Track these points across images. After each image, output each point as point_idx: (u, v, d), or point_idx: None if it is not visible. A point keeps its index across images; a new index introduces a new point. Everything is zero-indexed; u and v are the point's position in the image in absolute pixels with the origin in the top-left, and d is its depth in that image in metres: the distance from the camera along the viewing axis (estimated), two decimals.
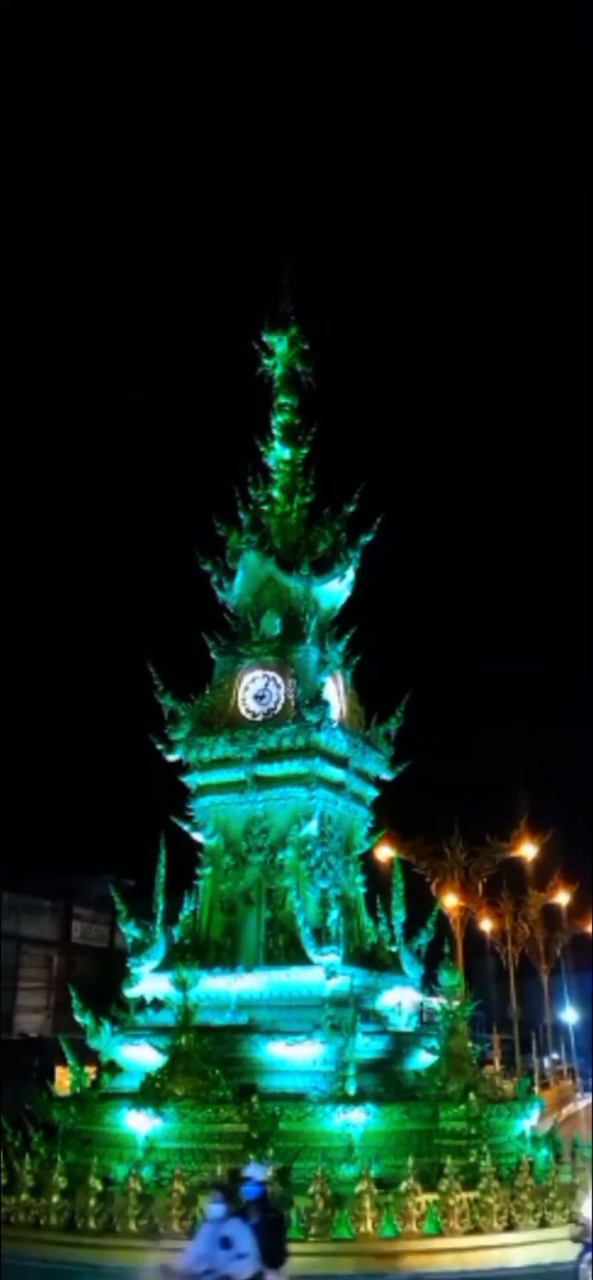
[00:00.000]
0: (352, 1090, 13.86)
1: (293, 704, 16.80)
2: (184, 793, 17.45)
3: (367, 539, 18.40)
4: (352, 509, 18.64)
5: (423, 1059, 15.81)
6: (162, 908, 16.56)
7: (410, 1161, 12.70)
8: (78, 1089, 15.97)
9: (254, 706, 17.19)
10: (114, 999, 17.01)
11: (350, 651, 18.32)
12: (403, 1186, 12.41)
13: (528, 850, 32.03)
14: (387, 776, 18.39)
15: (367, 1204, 12.31)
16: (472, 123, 66.32)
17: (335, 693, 17.71)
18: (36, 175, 58.57)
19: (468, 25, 59.94)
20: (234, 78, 64.02)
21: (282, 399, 19.67)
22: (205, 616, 18.51)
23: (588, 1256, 10.91)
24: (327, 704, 16.70)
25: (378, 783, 18.38)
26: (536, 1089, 23.18)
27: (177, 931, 16.63)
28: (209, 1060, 14.25)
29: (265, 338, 19.92)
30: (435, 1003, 16.73)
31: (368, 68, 63.00)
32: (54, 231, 61.53)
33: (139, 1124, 13.76)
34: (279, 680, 17.14)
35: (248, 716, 17.13)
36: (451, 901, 29.01)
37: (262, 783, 16.67)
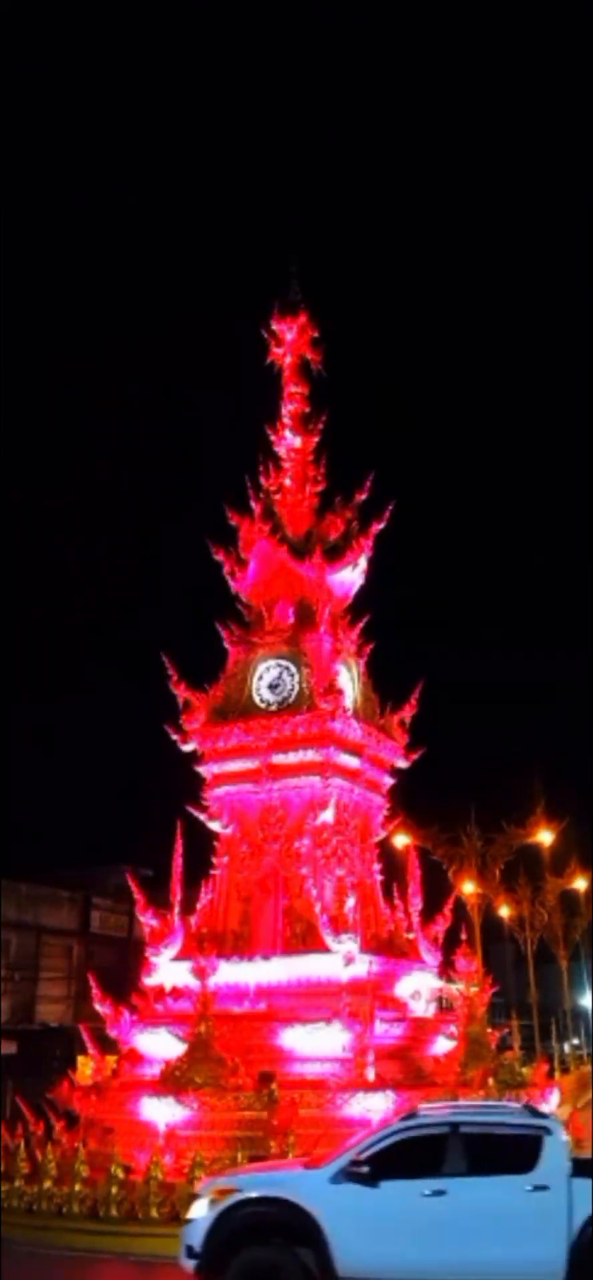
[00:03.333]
0: (371, 1077, 13.90)
1: (307, 693, 16.82)
2: (200, 782, 17.53)
3: (379, 526, 18.37)
4: (363, 497, 18.63)
5: (442, 1045, 15.84)
6: (179, 897, 16.65)
7: None
8: (98, 1078, 16.12)
9: (268, 696, 17.22)
10: (133, 988, 17.13)
11: (364, 639, 18.32)
12: None
13: (545, 836, 31.92)
14: (402, 764, 18.38)
15: None
16: (478, 116, 65.71)
17: (349, 681, 17.71)
18: (40, 168, 58.54)
19: (474, 22, 59.32)
20: (240, 66, 63.76)
21: (292, 388, 19.66)
22: (219, 606, 18.58)
23: None
24: (341, 692, 16.70)
25: (393, 770, 18.38)
26: (555, 1075, 23.15)
27: (194, 920, 16.73)
28: (228, 1048, 14.33)
29: (275, 326, 19.90)
30: (454, 989, 16.74)
31: (378, 59, 62.59)
32: (58, 223, 61.55)
33: (159, 1112, 13.87)
34: (293, 669, 17.16)
35: (262, 706, 17.17)
36: (468, 888, 28.97)
37: (277, 772, 16.71)
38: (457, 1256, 8.08)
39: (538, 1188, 8.14)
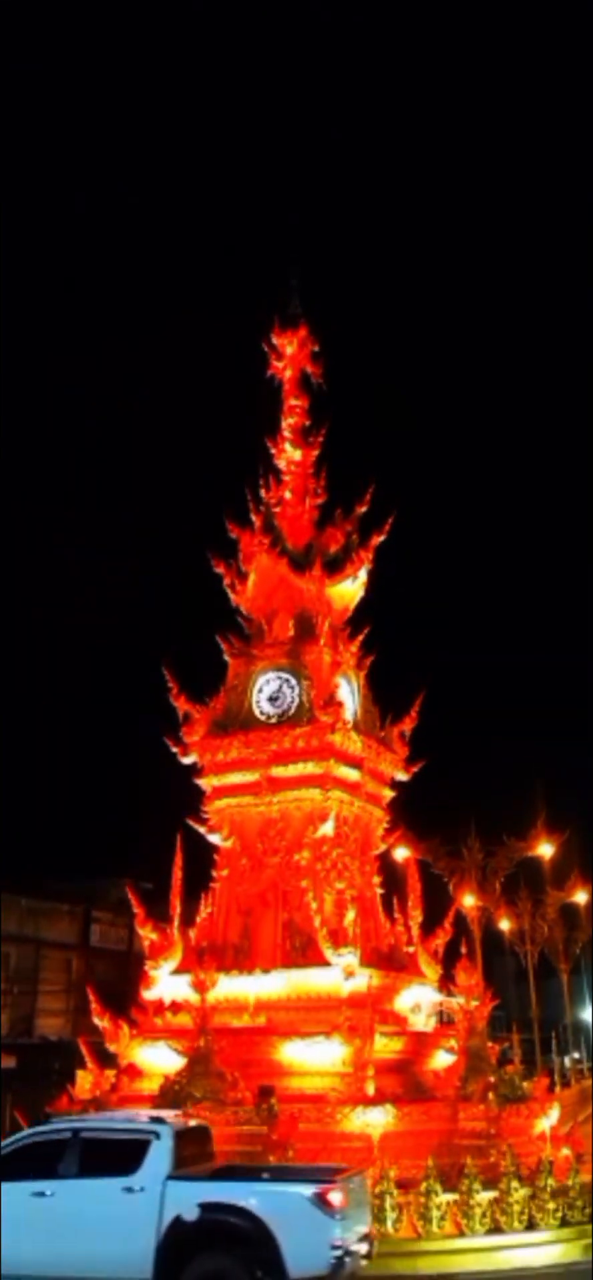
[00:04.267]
0: (370, 1091, 13.86)
1: (307, 705, 16.84)
2: (200, 795, 17.53)
3: (379, 539, 18.43)
4: (364, 509, 18.70)
5: (442, 1059, 15.79)
6: (179, 910, 16.63)
7: (430, 1162, 12.68)
8: (97, 1092, 16.06)
9: (268, 708, 17.24)
10: (133, 1001, 17.09)
11: (364, 652, 18.34)
12: (423, 1187, 12.39)
13: (546, 849, 31.89)
14: (402, 776, 18.38)
15: (387, 1205, 12.30)
16: (477, 125, 66.08)
17: (349, 693, 17.72)
18: (40, 168, 58.76)
19: (473, 30, 59.68)
20: (239, 68, 64.14)
21: (292, 401, 19.75)
22: (219, 619, 18.61)
23: None
24: (341, 705, 16.72)
25: (394, 783, 18.38)
26: (556, 1088, 23.05)
27: (194, 934, 16.71)
28: (227, 1062, 14.29)
29: (275, 339, 20.00)
30: (454, 1003, 16.69)
31: (376, 71, 62.94)
32: (55, 234, 61.72)
33: None
34: (293, 682, 17.18)
35: (262, 718, 17.19)
36: (468, 901, 28.92)
37: (277, 784, 16.72)
38: (57, 1252, 8.78)
39: (136, 1189, 8.84)
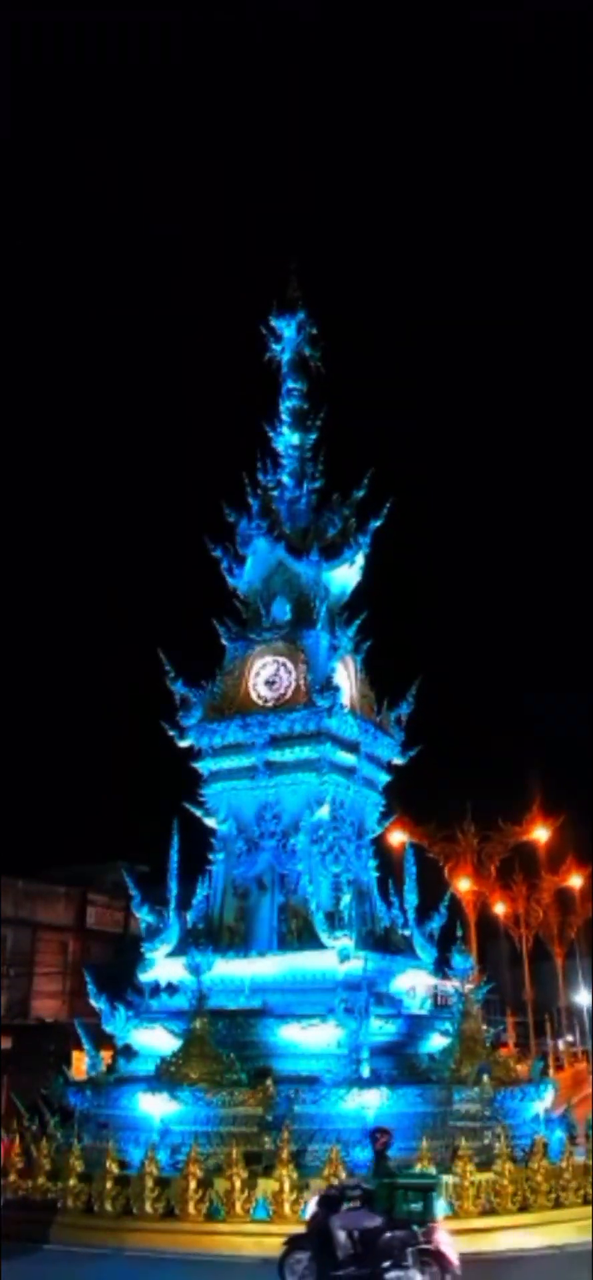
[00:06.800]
0: (366, 1073, 13.92)
1: (304, 689, 16.82)
2: (196, 779, 17.52)
3: (376, 524, 18.38)
4: (361, 494, 18.63)
5: (437, 1042, 15.87)
6: (175, 893, 16.67)
7: (425, 1143, 12.75)
8: (93, 1073, 16.12)
9: (265, 692, 17.22)
10: (129, 984, 17.14)
11: (361, 636, 18.31)
12: (417, 1169, 12.45)
13: (541, 833, 32.04)
14: (398, 761, 18.40)
15: None
16: (479, 106, 65.64)
17: (346, 678, 17.71)
18: (40, 159, 58.40)
19: (471, 18, 59.15)
20: (238, 65, 63.59)
21: (290, 384, 19.64)
22: (215, 603, 18.56)
23: None
24: (338, 689, 16.70)
25: (390, 767, 18.39)
26: (550, 1071, 23.21)
27: (190, 916, 16.74)
28: (223, 1044, 14.34)
29: (274, 322, 19.88)
30: (449, 986, 16.77)
31: (374, 54, 62.46)
32: (57, 221, 61.35)
33: (154, 1107, 13.87)
34: (290, 666, 17.16)
35: (259, 702, 17.17)
36: (464, 885, 29.05)
37: (273, 768, 16.72)
38: None
39: None
